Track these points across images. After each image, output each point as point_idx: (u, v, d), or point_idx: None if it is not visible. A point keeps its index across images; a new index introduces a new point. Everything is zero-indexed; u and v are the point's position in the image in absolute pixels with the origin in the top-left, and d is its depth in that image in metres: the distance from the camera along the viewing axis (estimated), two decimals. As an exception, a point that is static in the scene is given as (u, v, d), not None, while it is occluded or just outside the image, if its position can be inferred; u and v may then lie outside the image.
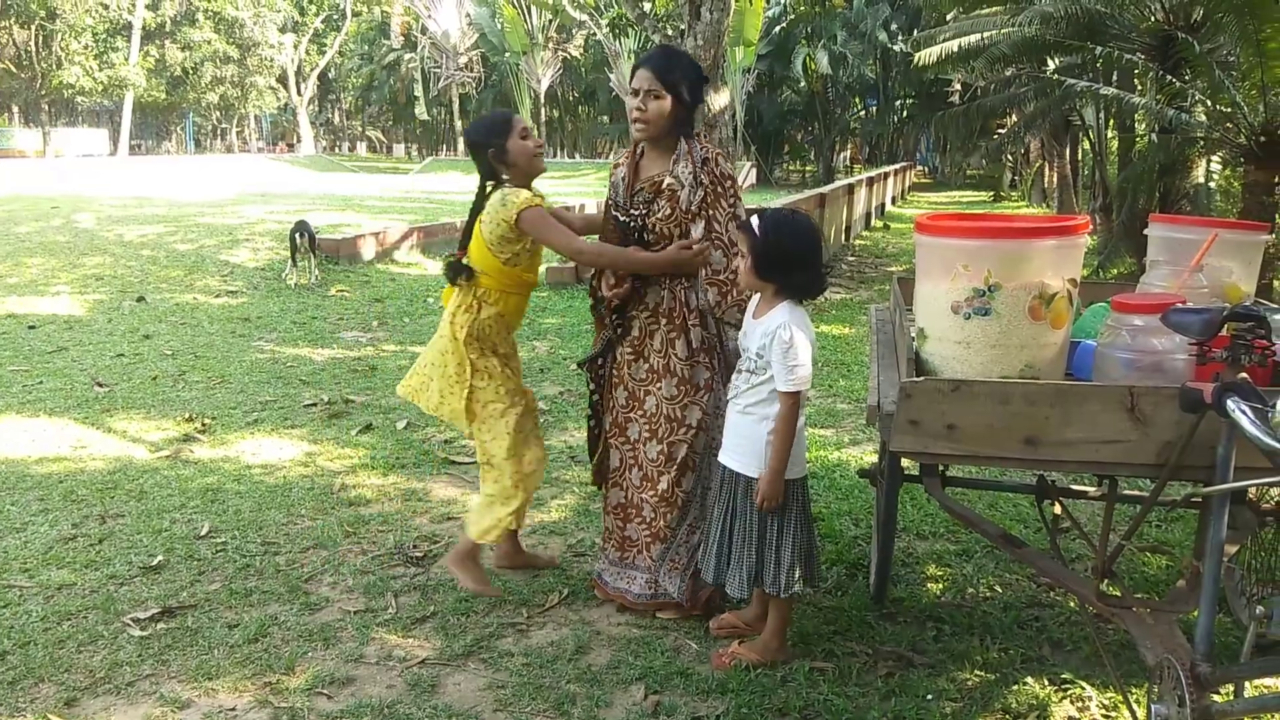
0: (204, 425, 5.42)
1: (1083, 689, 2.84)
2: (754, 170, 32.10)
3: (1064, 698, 2.82)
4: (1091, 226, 15.22)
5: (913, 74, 15.73)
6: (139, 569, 3.62)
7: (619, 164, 3.22)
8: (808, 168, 42.00)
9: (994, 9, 11.38)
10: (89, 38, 38.24)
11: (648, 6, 9.82)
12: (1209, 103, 8.47)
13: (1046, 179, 23.19)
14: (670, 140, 3.05)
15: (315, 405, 5.87)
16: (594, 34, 33.78)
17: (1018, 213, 22.76)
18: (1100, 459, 2.16)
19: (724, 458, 2.92)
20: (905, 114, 36.59)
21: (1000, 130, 20.08)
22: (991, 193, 29.45)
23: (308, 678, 2.89)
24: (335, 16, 47.14)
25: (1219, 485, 1.83)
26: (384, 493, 4.46)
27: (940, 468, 3.48)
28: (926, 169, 41.61)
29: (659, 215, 3.05)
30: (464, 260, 3.23)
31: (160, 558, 3.71)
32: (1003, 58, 9.70)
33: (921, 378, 2.25)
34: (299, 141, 49.60)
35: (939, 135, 32.80)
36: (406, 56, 40.74)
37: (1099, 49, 8.37)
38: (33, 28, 38.06)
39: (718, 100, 8.21)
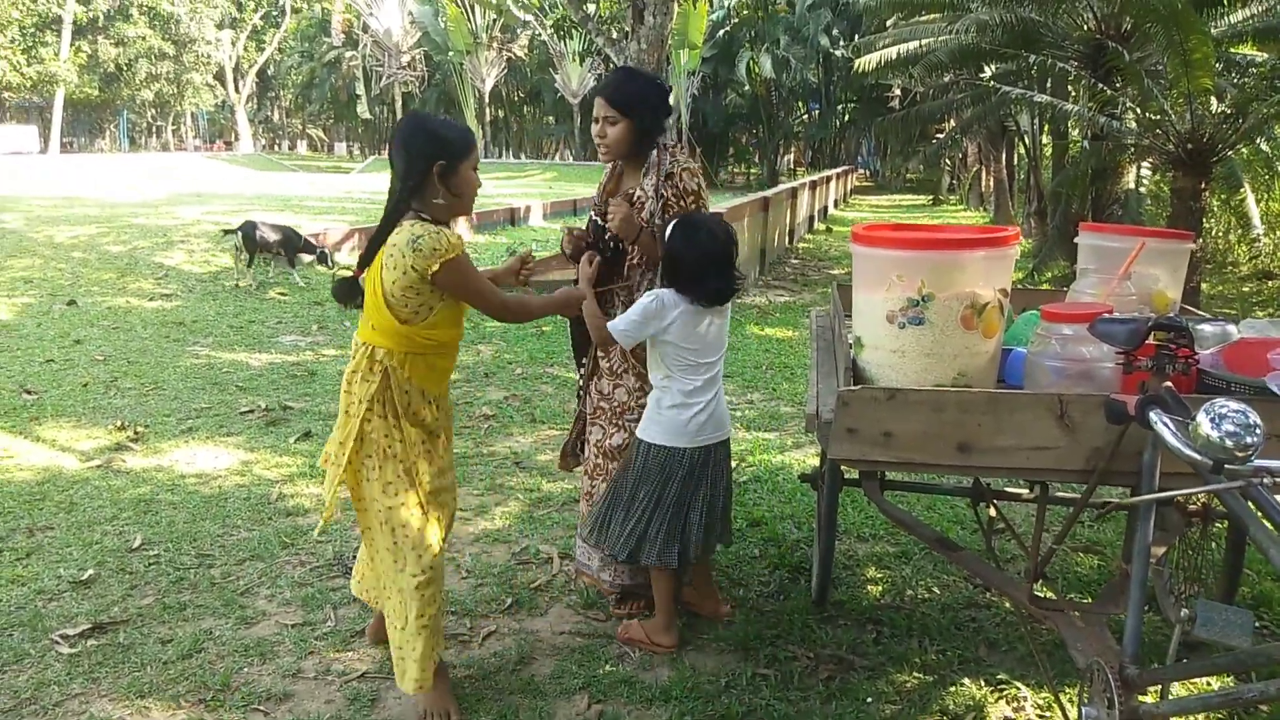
0: (136, 434, 5.28)
1: (1018, 689, 2.90)
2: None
3: (999, 698, 2.88)
4: (1026, 230, 15.57)
5: (854, 79, 15.92)
6: (68, 584, 3.51)
7: (604, 182, 3.31)
8: (752, 170, 42.31)
9: (932, 16, 11.59)
10: (15, 31, 37.07)
11: (591, 9, 9.79)
12: (1139, 110, 8.71)
13: (984, 183, 23.66)
14: (641, 156, 3.12)
15: (252, 412, 5.76)
16: (539, 34, 33.67)
17: (956, 216, 23.22)
18: (1031, 465, 2.20)
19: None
20: (847, 118, 37.07)
21: (939, 135, 20.46)
22: (931, 196, 29.95)
23: (243, 694, 2.83)
24: (274, 13, 46.32)
25: (1144, 494, 1.88)
26: (323, 502, 4.38)
27: (879, 472, 3.54)
28: (868, 173, 42.19)
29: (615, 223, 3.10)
30: (360, 280, 2.62)
31: (90, 571, 3.61)
32: (940, 65, 9.87)
33: (858, 386, 2.28)
34: (237, 139, 48.65)
35: (880, 140, 33.27)
36: (348, 54, 40.20)
37: (1033, 57, 8.55)
38: (-44, 21, 36.79)
39: (661, 104, 8.22)
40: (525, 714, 2.76)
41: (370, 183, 25.96)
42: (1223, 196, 9.67)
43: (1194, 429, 1.37)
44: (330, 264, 10.54)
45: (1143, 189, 10.92)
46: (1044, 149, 14.58)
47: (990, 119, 15.81)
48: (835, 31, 30.98)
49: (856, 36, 20.88)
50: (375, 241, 2.52)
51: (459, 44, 33.60)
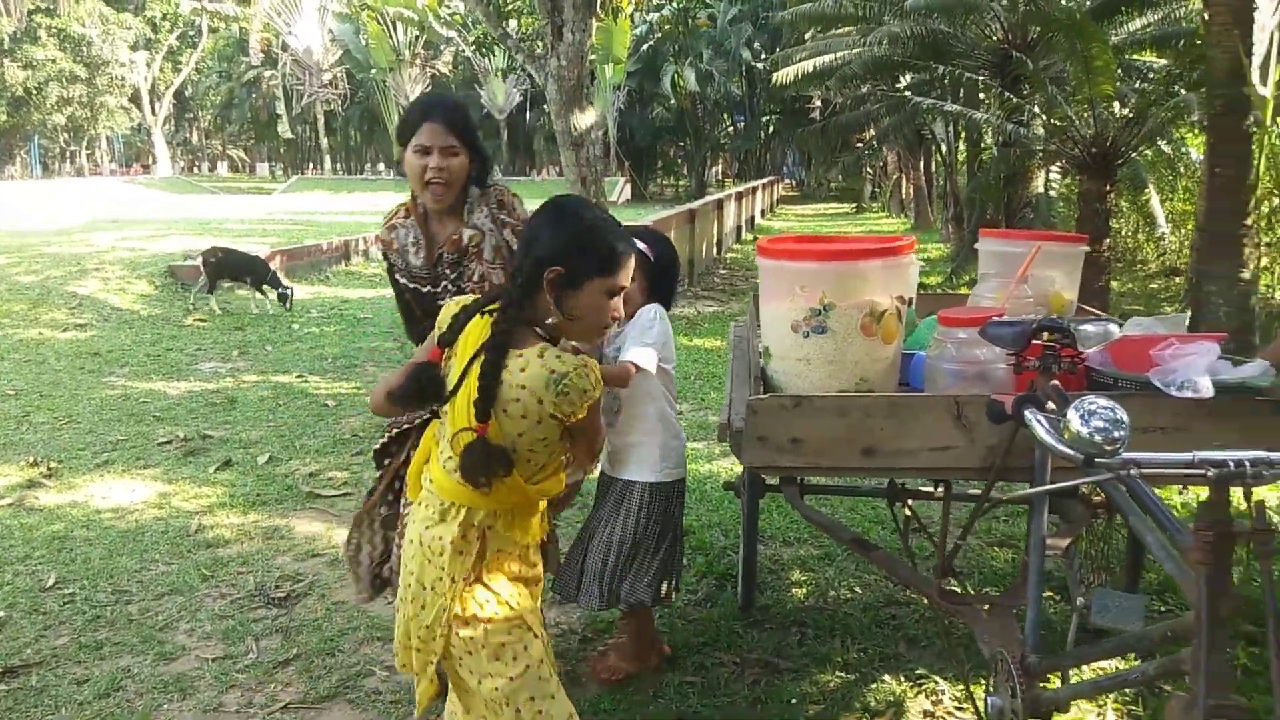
0: (50, 469, 5.13)
1: (936, 683, 2.98)
2: (628, 185, 32.44)
3: (919, 693, 2.95)
4: (945, 236, 15.94)
5: (775, 90, 16.20)
6: (-24, 628, 3.40)
7: (393, 226, 2.67)
8: (680, 182, 42.64)
9: (847, 29, 11.86)
10: (-85, 56, 35.74)
11: (512, 25, 9.82)
12: (1045, 117, 9.02)
13: (904, 191, 24.20)
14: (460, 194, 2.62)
15: (170, 443, 5.64)
16: (462, 50, 33.55)
17: (878, 223, 23.69)
18: (933, 465, 2.28)
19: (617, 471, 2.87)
20: (771, 129, 37.60)
21: (860, 144, 20.90)
22: (854, 204, 30.53)
23: (163, 731, 2.78)
24: (191, 33, 45.37)
25: (1035, 488, 1.96)
26: (244, 532, 4.31)
27: (799, 478, 3.62)
28: (794, 182, 42.83)
29: (471, 277, 2.59)
30: (492, 441, 1.81)
31: (1, 614, 3.49)
32: (855, 76, 10.11)
33: (766, 394, 2.34)
34: (154, 162, 47.44)
35: (803, 150, 33.83)
36: (267, 73, 39.53)
37: (942, 68, 8.81)
38: None
39: (584, 119, 8.28)
40: (453, 735, 2.75)
41: (292, 203, 25.57)
42: (1129, 198, 10.04)
43: (1065, 425, 1.44)
44: (289, 306, 10.22)
45: (1053, 192, 11.30)
46: (959, 156, 14.98)
47: (907, 128, 16.20)
48: (757, 45, 31.43)
49: (777, 49, 21.24)
50: (488, 383, 1.78)
51: (381, 61, 33.30)
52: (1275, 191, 6.43)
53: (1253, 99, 5.39)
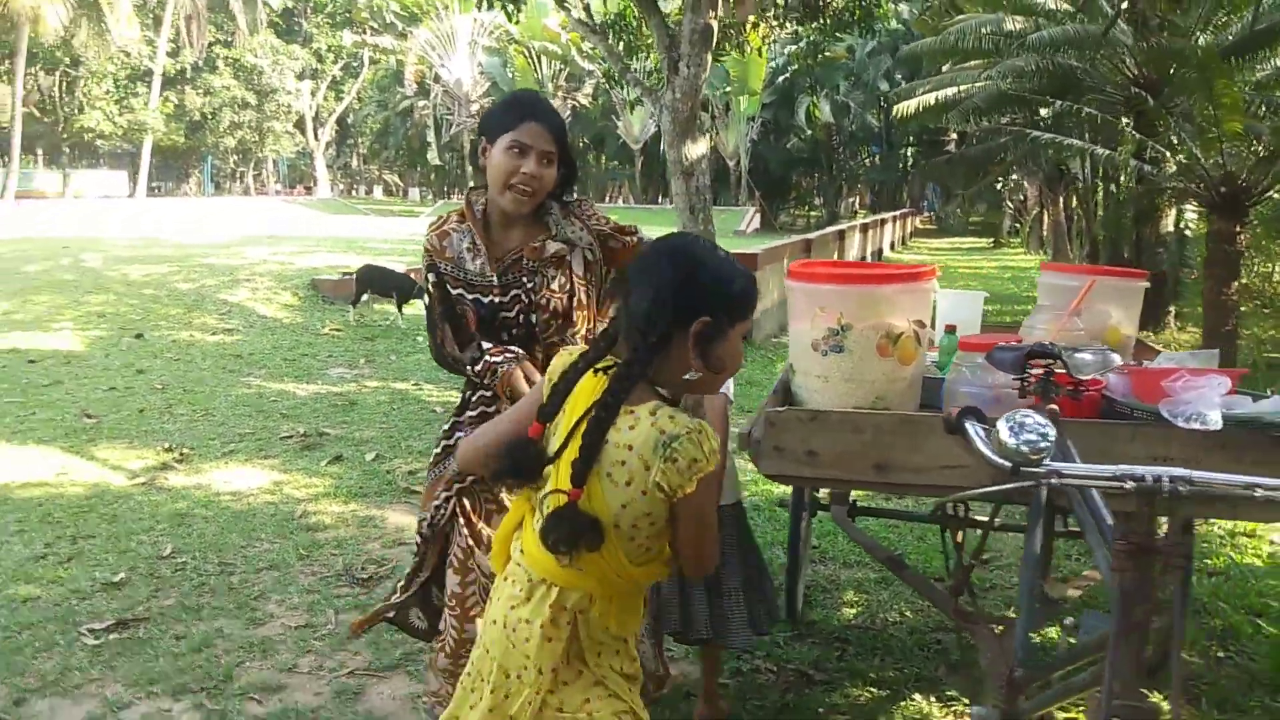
0: (182, 455, 5.67)
1: (965, 704, 3.01)
2: (758, 215, 32.54)
3: (947, 713, 3.00)
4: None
5: (910, 123, 16.07)
6: (101, 585, 3.84)
7: (445, 232, 2.46)
8: (813, 214, 42.46)
9: (976, 62, 11.73)
10: (110, 83, 39.27)
11: (634, 64, 10.19)
12: (1172, 155, 8.72)
13: (1044, 226, 23.44)
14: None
15: (291, 437, 6.12)
16: (602, 83, 34.52)
17: (1014, 259, 23.00)
18: (942, 482, 2.36)
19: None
20: (909, 162, 37.05)
21: (990, 177, 20.41)
22: (992, 239, 29.72)
23: (241, 685, 3.10)
24: (354, 64, 48.23)
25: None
26: (342, 519, 4.68)
27: (849, 499, 3.71)
28: (932, 216, 41.98)
29: (554, 288, 2.44)
30: (583, 509, 1.60)
31: (122, 575, 3.94)
32: (978, 110, 10.01)
33: (785, 407, 2.48)
34: (315, 184, 50.47)
35: (940, 183, 33.17)
36: (420, 103, 41.57)
37: (1061, 103, 8.64)
38: (57, 74, 39.15)
39: (695, 150, 8.52)
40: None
41: (435, 225, 26.77)
42: (1265, 240, 9.55)
43: (994, 436, 1.54)
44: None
45: (1189, 231, 10.86)
46: (1096, 193, 14.50)
47: (1046, 162, 15.78)
48: (898, 75, 31.14)
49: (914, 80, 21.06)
50: (592, 442, 1.60)
51: (525, 92, 34.56)
52: None
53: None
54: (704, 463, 1.57)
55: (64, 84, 39.90)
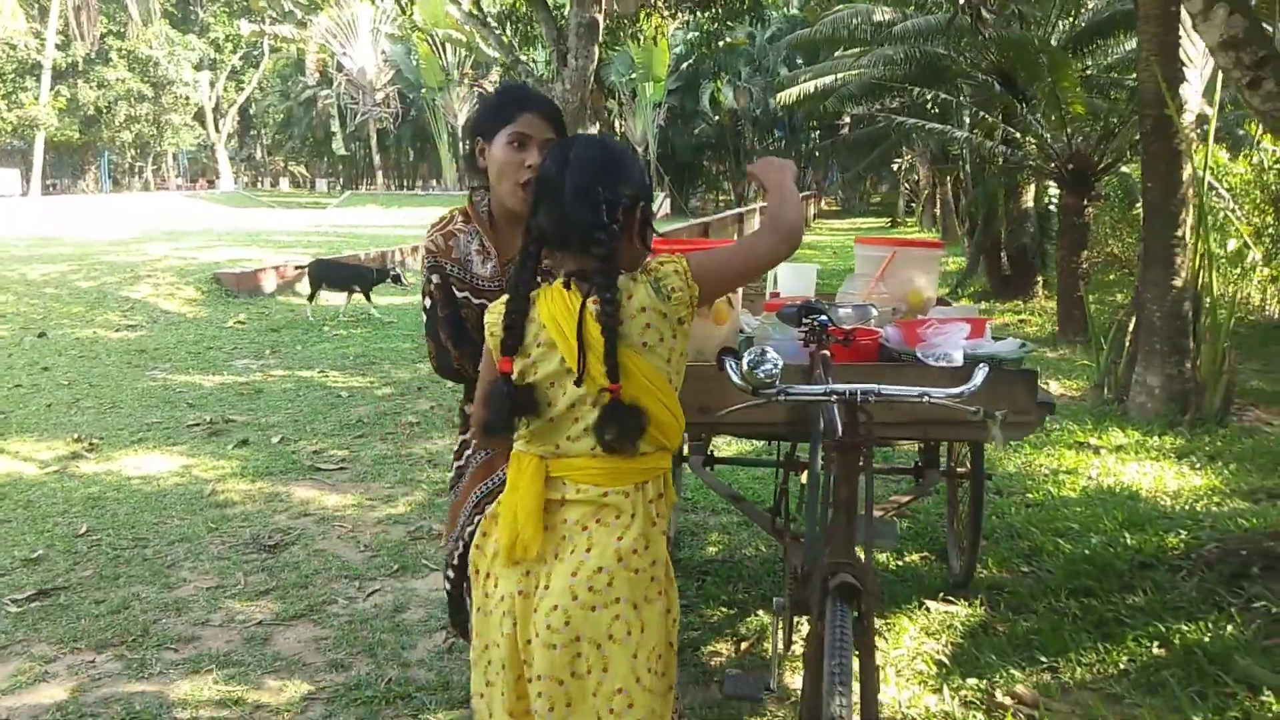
0: (91, 445, 5.88)
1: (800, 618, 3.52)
2: (668, 199, 33.11)
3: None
4: (964, 249, 16.27)
5: (799, 108, 16.71)
6: (20, 561, 4.11)
7: (451, 233, 2.33)
8: (722, 197, 43.24)
9: (855, 51, 12.38)
10: (-4, 78, 37.79)
11: (528, 55, 10.53)
12: (1027, 137, 9.45)
13: (937, 205, 24.48)
14: None
15: (198, 425, 6.37)
16: (508, 71, 34.63)
17: (903, 236, 23.98)
18: (752, 420, 2.84)
19: None
20: (810, 145, 38.03)
21: (882, 159, 21.29)
22: (889, 219, 30.82)
23: (158, 638, 3.44)
24: (254, 53, 47.22)
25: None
26: (250, 496, 5.00)
27: (708, 450, 4.19)
28: (836, 198, 43.15)
29: None
30: (627, 400, 1.70)
31: (40, 552, 4.21)
32: (851, 97, 10.64)
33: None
34: (218, 178, 49.34)
35: (840, 164, 34.19)
36: (323, 93, 41.07)
37: (918, 89, 9.30)
38: (-63, 68, 37.51)
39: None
40: (391, 647, 3.36)
41: (343, 218, 26.65)
42: (1116, 212, 10.38)
43: (741, 368, 2.00)
44: (403, 282, 11.30)
45: (1052, 207, 11.67)
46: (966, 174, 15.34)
47: (932, 144, 16.60)
48: (799, 60, 31.98)
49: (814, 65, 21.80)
50: (611, 331, 1.68)
51: (431, 81, 34.50)
52: (1215, 205, 6.77)
53: (1175, 122, 5.83)
54: (680, 268, 1.76)
55: (-56, 79, 38.22)
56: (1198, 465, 5.32)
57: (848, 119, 25.00)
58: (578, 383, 1.70)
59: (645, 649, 1.68)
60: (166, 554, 4.22)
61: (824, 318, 2.59)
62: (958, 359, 2.64)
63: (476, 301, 2.26)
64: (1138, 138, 6.56)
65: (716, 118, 35.68)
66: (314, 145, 49.19)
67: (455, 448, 2.46)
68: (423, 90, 35.92)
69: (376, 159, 42.72)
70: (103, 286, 11.63)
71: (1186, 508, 4.62)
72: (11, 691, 3.08)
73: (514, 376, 1.74)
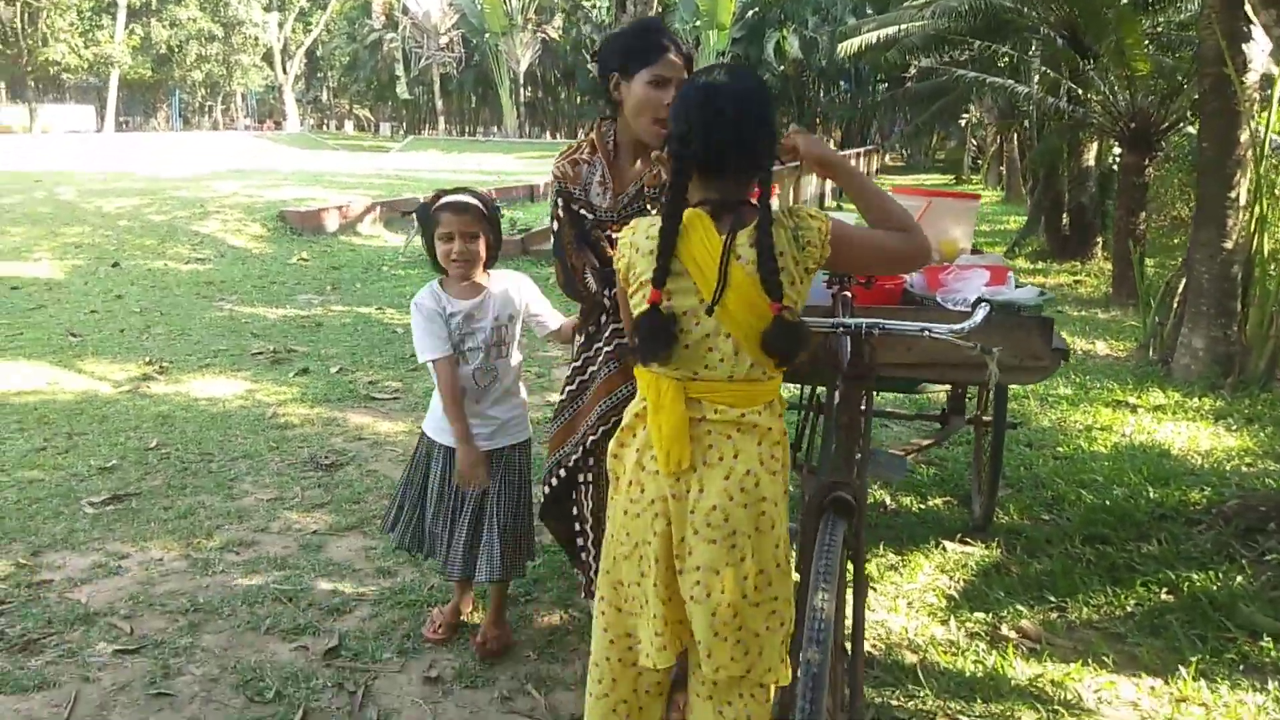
0: (162, 368, 6.23)
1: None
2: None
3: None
4: (1027, 207, 16.00)
5: (864, 59, 16.48)
6: (96, 469, 4.44)
7: (576, 161, 2.52)
8: (785, 150, 42.69)
9: (920, 1, 12.17)
10: (74, 15, 38.70)
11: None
12: (1091, 94, 9.29)
13: (1002, 162, 24.01)
14: None
15: (261, 354, 6.69)
16: (572, 16, 34.50)
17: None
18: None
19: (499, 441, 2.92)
20: (876, 98, 37.31)
21: (964, 115, 20.88)
22: (954, 176, 30.28)
23: (221, 541, 3.72)
24: (321, -5, 47.69)
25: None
26: (308, 420, 5.28)
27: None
28: (901, 153, 42.37)
29: None
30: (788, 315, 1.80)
31: (114, 462, 4.53)
32: (915, 48, 10.51)
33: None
34: (285, 119, 50.10)
35: (902, 117, 33.53)
36: (388, 36, 41.34)
37: (981, 43, 9.17)
38: (18, 5, 38.49)
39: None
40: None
41: (405, 161, 26.99)
42: (1182, 175, 10.17)
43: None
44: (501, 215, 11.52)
45: (1115, 167, 11.44)
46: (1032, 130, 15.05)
47: (999, 100, 16.26)
48: (869, 10, 31.34)
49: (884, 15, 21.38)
50: (767, 252, 1.77)
51: (495, 26, 34.50)
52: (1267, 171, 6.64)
53: (1235, 81, 5.74)
54: (823, 224, 1.85)
55: (25, 16, 39.24)
56: (1234, 427, 5.33)
57: (914, 71, 24.59)
58: (709, 312, 1.79)
59: (779, 537, 1.87)
60: (230, 468, 4.52)
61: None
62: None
63: (595, 229, 2.48)
64: (1196, 97, 6.45)
65: (781, 68, 35.17)
66: (378, 89, 49.64)
67: (578, 364, 2.66)
68: (486, 35, 35.94)
69: (439, 104, 43.00)
70: (173, 221, 12.05)
71: (1216, 466, 4.66)
72: (90, 581, 3.38)
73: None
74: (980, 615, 3.22)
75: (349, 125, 65.43)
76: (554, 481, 2.70)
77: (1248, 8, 5.84)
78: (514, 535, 2.95)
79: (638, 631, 1.95)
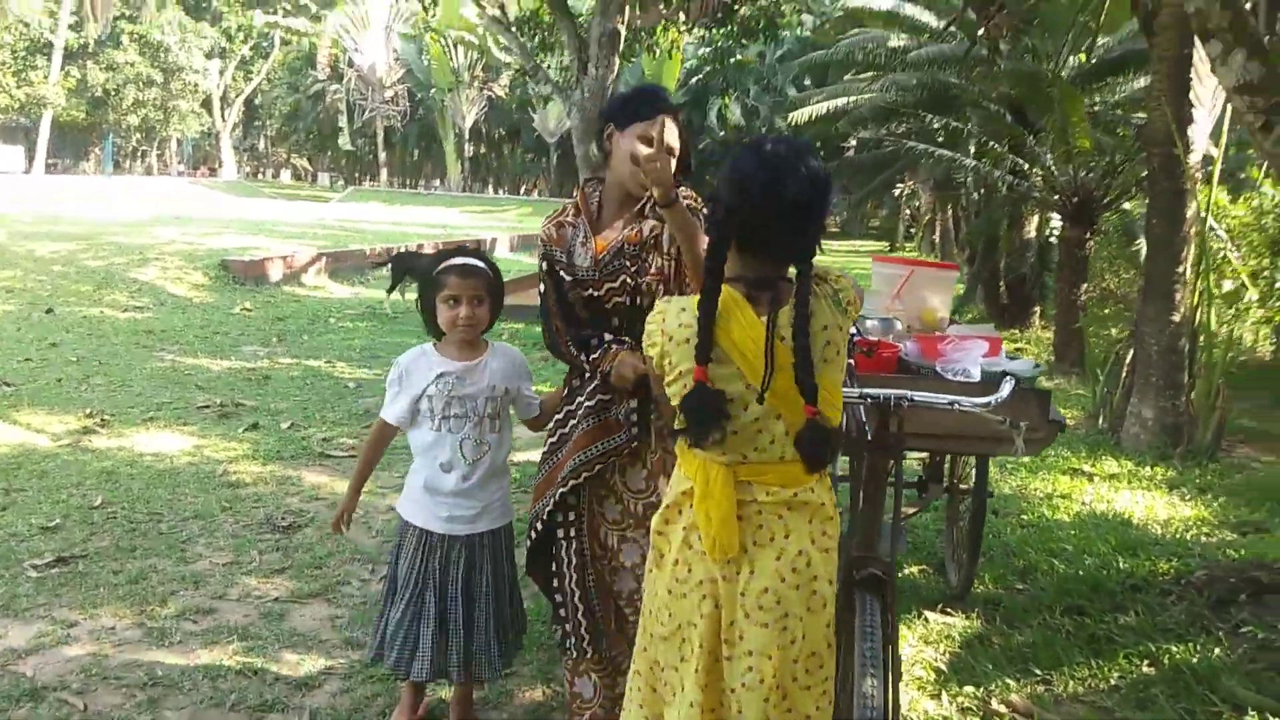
0: (103, 420, 5.96)
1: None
2: (670, 213, 33.24)
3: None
4: (964, 277, 16.49)
5: (808, 130, 16.91)
6: (38, 529, 4.19)
7: (562, 224, 2.61)
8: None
9: (868, 75, 12.55)
10: (8, 54, 37.80)
11: (548, 60, 10.68)
12: (1032, 168, 9.61)
13: (935, 232, 24.69)
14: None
15: (208, 407, 6.45)
16: (519, 75, 34.83)
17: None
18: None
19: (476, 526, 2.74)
20: (815, 166, 38.23)
21: (898, 186, 21.47)
22: (888, 243, 31.04)
23: (176, 608, 3.52)
24: (264, 44, 47.34)
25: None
26: (261, 478, 5.08)
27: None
28: (837, 219, 43.35)
29: (654, 271, 2.52)
30: (822, 421, 1.77)
31: (57, 521, 4.28)
32: (862, 120, 10.80)
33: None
34: (220, 166, 49.37)
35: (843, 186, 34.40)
36: (332, 88, 41.23)
37: (931, 117, 9.47)
38: (-52, 42, 37.52)
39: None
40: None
41: (346, 212, 26.74)
42: (1114, 247, 10.54)
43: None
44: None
45: (1053, 239, 11.82)
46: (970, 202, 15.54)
47: (936, 171, 16.75)
48: (807, 81, 32.24)
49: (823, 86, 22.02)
50: (805, 349, 1.72)
51: (441, 81, 34.68)
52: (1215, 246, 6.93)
53: (1182, 160, 5.98)
54: (845, 278, 1.84)
55: (-46, 53, 38.21)
56: (1188, 496, 5.44)
57: (854, 142, 25.31)
58: (760, 400, 1.72)
59: (829, 616, 1.81)
60: (181, 529, 4.31)
61: (853, 328, 2.70)
62: (976, 374, 2.75)
63: (577, 290, 2.56)
64: (1144, 174, 6.70)
65: (723, 134, 35.88)
66: (319, 139, 49.32)
67: (560, 417, 2.67)
68: (432, 90, 36.08)
69: (382, 156, 42.86)
70: (110, 267, 11.69)
71: (1177, 536, 4.73)
72: (36, 651, 3.16)
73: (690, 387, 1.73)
74: (970, 689, 3.18)
75: (285, 174, 64.75)
76: (533, 535, 2.68)
77: (1193, 95, 6.13)
78: (508, 625, 2.79)
79: (667, 717, 1.86)
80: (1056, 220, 11.91)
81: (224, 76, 45.75)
